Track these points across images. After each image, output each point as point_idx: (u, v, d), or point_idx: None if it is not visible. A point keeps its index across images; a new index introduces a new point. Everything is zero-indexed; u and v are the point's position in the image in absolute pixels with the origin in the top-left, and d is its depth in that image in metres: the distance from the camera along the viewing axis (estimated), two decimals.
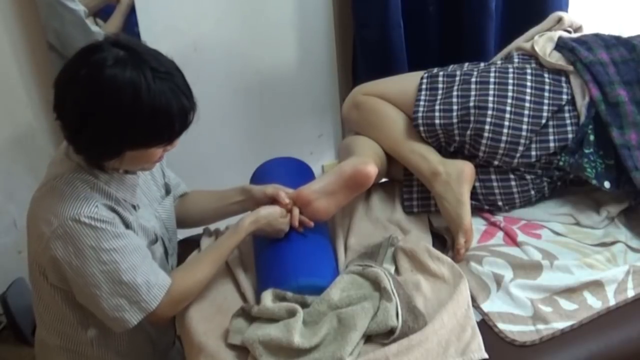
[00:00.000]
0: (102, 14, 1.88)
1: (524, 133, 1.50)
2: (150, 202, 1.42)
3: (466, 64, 1.67)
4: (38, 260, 1.28)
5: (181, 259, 1.56)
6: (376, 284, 1.30)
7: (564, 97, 1.54)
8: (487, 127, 1.51)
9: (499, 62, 1.68)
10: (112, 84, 1.12)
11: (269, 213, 1.40)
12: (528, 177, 1.56)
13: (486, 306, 1.32)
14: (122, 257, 1.22)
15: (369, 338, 1.23)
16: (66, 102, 1.16)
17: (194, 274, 1.35)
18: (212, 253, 1.38)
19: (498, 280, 1.37)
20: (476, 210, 1.58)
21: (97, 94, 1.13)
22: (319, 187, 1.45)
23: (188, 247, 1.64)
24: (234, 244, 1.38)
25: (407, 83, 1.66)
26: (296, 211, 1.44)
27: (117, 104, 1.12)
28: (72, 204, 1.20)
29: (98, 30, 1.85)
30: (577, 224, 1.55)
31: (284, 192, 1.45)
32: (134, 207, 1.33)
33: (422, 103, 1.59)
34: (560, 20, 1.75)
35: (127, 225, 1.28)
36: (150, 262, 1.28)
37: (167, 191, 1.50)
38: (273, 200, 1.45)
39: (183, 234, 1.76)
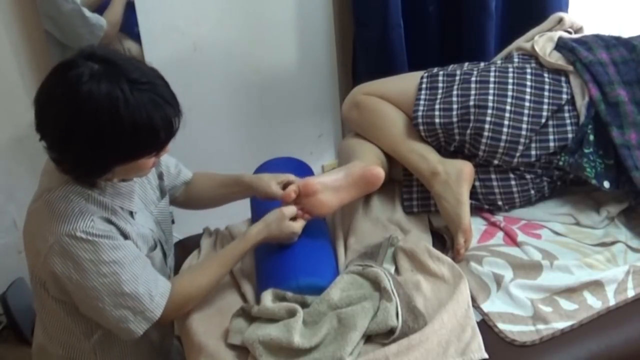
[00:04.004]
0: (102, 9, 1.88)
1: (523, 132, 1.51)
2: (147, 205, 1.40)
3: (466, 64, 1.67)
4: (38, 274, 1.27)
5: (180, 260, 1.56)
6: (376, 284, 1.30)
7: (564, 96, 1.54)
8: (487, 126, 1.51)
9: (499, 61, 1.68)
10: (89, 100, 1.08)
11: (278, 218, 1.37)
12: (528, 176, 1.56)
13: (486, 306, 1.32)
14: (122, 269, 1.20)
15: (369, 338, 1.23)
16: (46, 121, 1.13)
17: (196, 279, 1.33)
18: (218, 260, 1.36)
19: (498, 280, 1.37)
20: (476, 210, 1.58)
21: (74, 112, 1.09)
22: (326, 181, 1.44)
23: (187, 248, 1.64)
24: (241, 251, 1.36)
25: (407, 83, 1.66)
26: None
27: (96, 120, 1.09)
28: (67, 220, 1.17)
29: (99, 19, 1.85)
30: (577, 224, 1.55)
31: (291, 190, 1.40)
32: (131, 213, 1.31)
33: (422, 102, 1.59)
34: (561, 20, 1.75)
35: (125, 236, 1.26)
36: (150, 270, 1.27)
37: (162, 192, 1.48)
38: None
39: (182, 234, 1.76)
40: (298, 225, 1.39)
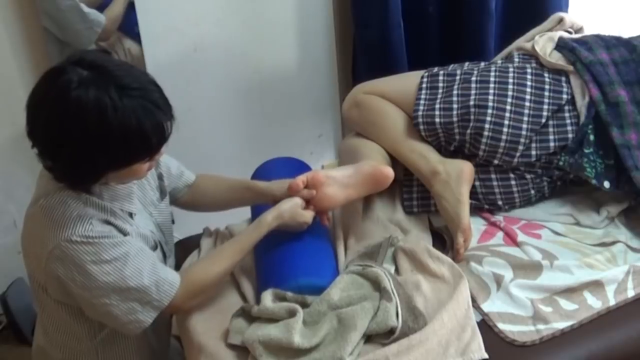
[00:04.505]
0: (102, 8, 1.88)
1: (523, 132, 1.50)
2: (146, 206, 1.39)
3: (466, 64, 1.67)
4: (37, 278, 1.27)
5: (180, 260, 1.56)
6: (376, 284, 1.30)
7: (564, 96, 1.54)
8: (487, 126, 1.51)
9: (499, 61, 1.68)
10: (77, 106, 1.07)
11: (291, 207, 1.38)
12: (528, 176, 1.56)
13: (486, 306, 1.32)
14: (124, 265, 1.20)
15: (369, 338, 1.23)
16: (37, 128, 1.13)
17: (210, 267, 1.32)
18: (231, 247, 1.36)
19: (498, 280, 1.37)
20: (476, 210, 1.58)
21: (63, 119, 1.09)
22: (335, 175, 1.44)
23: (187, 248, 1.64)
24: (254, 239, 1.36)
25: (407, 82, 1.66)
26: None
27: (85, 127, 1.08)
28: (65, 225, 1.17)
29: (98, 15, 1.86)
30: (577, 224, 1.55)
31: (299, 179, 1.41)
32: (130, 215, 1.31)
33: (422, 102, 1.59)
34: (561, 21, 1.75)
35: (125, 235, 1.25)
36: (155, 261, 1.26)
37: (163, 193, 1.47)
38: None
39: (182, 234, 1.76)
40: (309, 215, 1.40)
